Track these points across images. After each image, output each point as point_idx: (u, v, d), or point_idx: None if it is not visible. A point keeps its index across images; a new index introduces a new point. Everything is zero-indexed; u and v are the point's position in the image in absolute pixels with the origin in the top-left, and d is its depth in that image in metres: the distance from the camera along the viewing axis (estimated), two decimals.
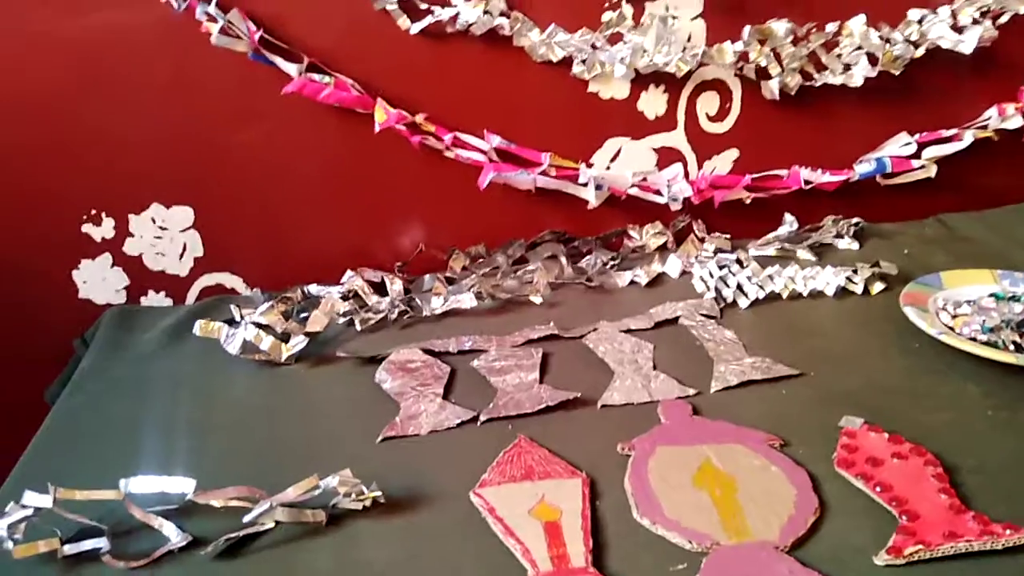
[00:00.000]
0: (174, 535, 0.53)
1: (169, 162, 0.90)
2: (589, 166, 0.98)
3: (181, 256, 0.94)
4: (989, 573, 0.48)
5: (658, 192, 0.99)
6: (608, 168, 0.99)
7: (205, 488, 0.55)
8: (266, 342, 0.75)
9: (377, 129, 0.89)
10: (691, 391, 0.69)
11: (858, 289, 0.86)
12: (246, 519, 0.52)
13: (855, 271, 0.87)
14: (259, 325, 0.78)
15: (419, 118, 0.91)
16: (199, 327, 0.78)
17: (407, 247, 0.97)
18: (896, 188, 1.04)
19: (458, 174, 0.94)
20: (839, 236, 0.98)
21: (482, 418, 0.66)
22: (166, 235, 0.93)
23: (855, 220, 0.99)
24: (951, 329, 0.74)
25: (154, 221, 0.92)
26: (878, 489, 0.54)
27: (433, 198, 0.96)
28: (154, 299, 0.94)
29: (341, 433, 0.66)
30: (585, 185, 0.97)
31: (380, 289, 0.90)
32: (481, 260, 0.95)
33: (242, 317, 0.80)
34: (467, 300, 0.84)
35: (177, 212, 0.92)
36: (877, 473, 0.56)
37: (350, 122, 0.90)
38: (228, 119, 0.89)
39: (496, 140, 0.93)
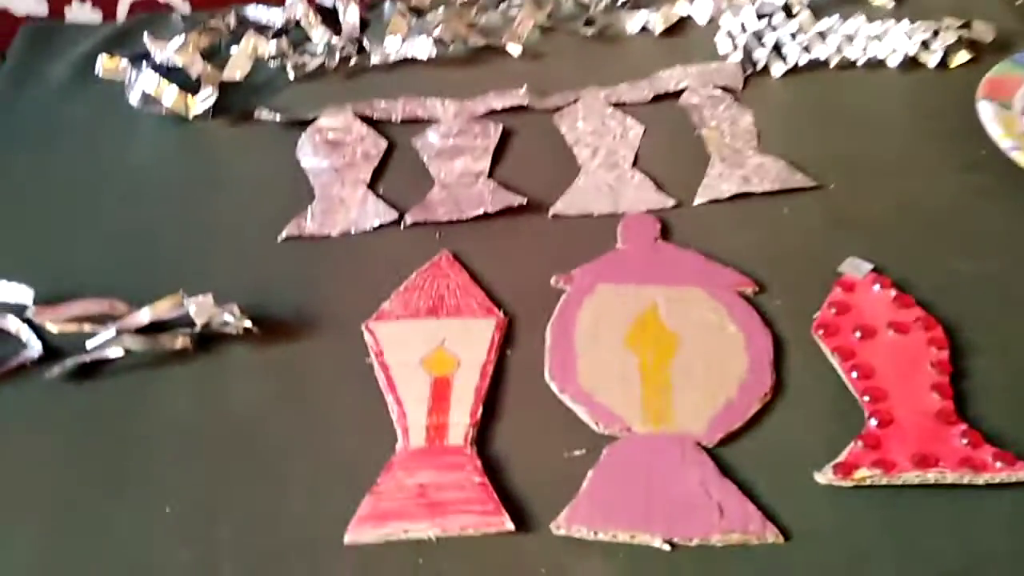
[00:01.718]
0: (33, 344, 0.47)
1: None
2: None
3: None
4: (963, 517, 0.38)
5: None
6: None
7: (65, 289, 0.49)
8: (169, 94, 0.62)
9: None
10: (669, 202, 0.55)
11: (933, 60, 0.66)
12: (89, 345, 0.45)
13: (936, 33, 0.66)
14: (167, 70, 0.65)
15: None
16: (101, 66, 0.65)
17: None
18: None
19: None
20: None
21: (407, 220, 0.55)
22: None
23: None
24: None
25: None
26: (855, 374, 0.43)
27: None
28: (80, 12, 0.80)
29: (242, 221, 0.56)
30: None
31: (332, 18, 0.74)
32: None
33: (148, 56, 0.66)
34: (423, 48, 0.67)
35: None
36: (862, 349, 0.44)
37: None
38: None
39: None
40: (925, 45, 0.66)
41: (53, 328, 0.46)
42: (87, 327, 0.46)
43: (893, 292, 0.47)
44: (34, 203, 0.58)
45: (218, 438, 0.43)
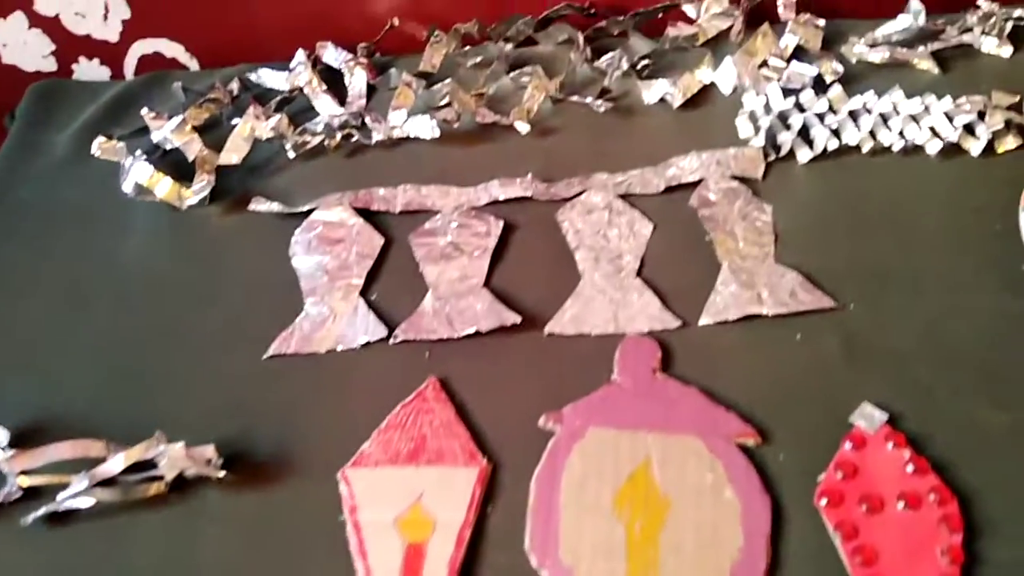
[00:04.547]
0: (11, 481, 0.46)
1: None
2: None
3: (105, 18, 0.75)
4: None
5: None
6: None
7: (47, 407, 0.49)
8: (162, 187, 0.61)
9: None
10: (672, 323, 0.52)
11: (976, 148, 0.60)
12: (60, 497, 0.44)
13: (981, 115, 0.60)
14: (162, 153, 0.64)
15: None
16: (98, 147, 0.64)
17: (385, 15, 0.75)
18: None
19: None
20: (986, 34, 0.68)
21: (397, 337, 0.53)
22: None
23: (1017, 13, 0.67)
24: None
25: None
26: (857, 559, 0.40)
27: None
28: (87, 68, 0.79)
29: (230, 331, 0.54)
30: None
31: (338, 80, 0.71)
32: (469, 48, 0.72)
33: (147, 131, 0.64)
34: (427, 128, 0.64)
35: None
36: (867, 527, 0.41)
37: None
38: None
39: None
40: (969, 129, 0.60)
41: (24, 482, 0.45)
42: (59, 479, 0.45)
43: (907, 453, 0.44)
44: (24, 308, 0.57)
45: None
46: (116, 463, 0.44)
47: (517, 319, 0.52)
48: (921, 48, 0.67)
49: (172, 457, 0.44)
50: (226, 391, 0.51)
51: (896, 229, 0.56)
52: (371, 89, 0.71)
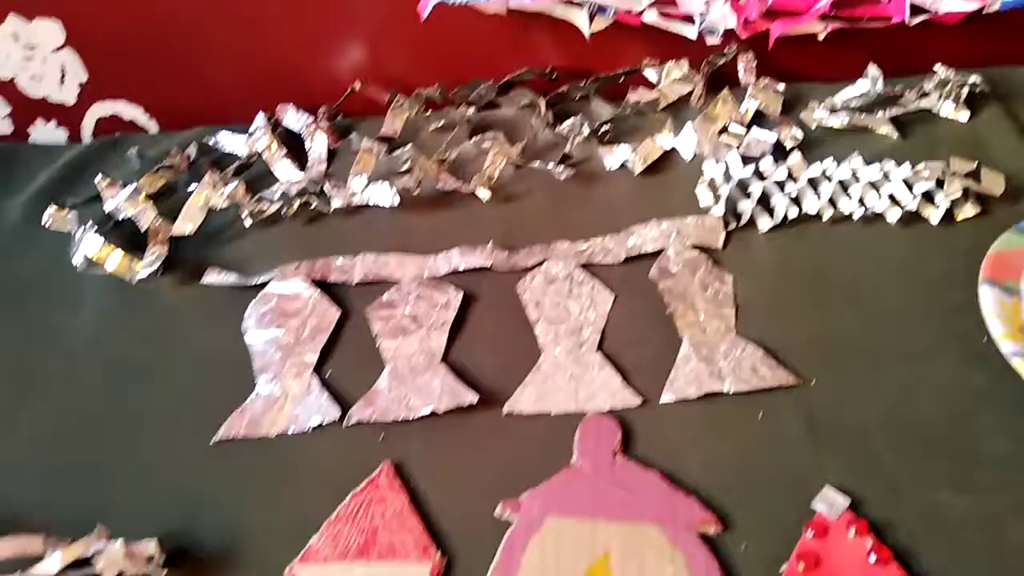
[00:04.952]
0: None
1: None
2: None
3: (62, 80, 0.74)
4: None
5: (689, 19, 0.70)
6: None
7: None
8: (112, 260, 0.59)
9: None
10: (633, 401, 0.51)
11: (935, 217, 0.60)
12: None
13: (940, 183, 0.60)
14: (115, 223, 0.62)
15: None
16: (50, 217, 0.62)
17: (348, 77, 0.74)
18: None
19: None
20: (944, 99, 0.68)
21: (351, 419, 0.51)
22: (36, 55, 0.73)
23: (972, 79, 0.68)
24: None
25: (17, 38, 0.72)
26: None
27: (382, 15, 0.71)
28: (44, 130, 0.77)
29: (179, 412, 0.53)
30: (580, 6, 0.68)
31: (299, 144, 0.70)
32: (431, 112, 0.72)
33: (100, 198, 0.63)
34: (386, 196, 0.63)
35: (42, 27, 0.71)
36: None
37: None
38: None
39: None
40: (928, 196, 0.60)
41: None
42: None
43: (869, 542, 0.43)
44: None
45: None
46: (52, 563, 0.42)
47: (474, 399, 0.51)
48: (880, 113, 0.68)
49: (110, 558, 0.42)
50: (174, 477, 0.49)
51: (857, 301, 0.56)
52: (332, 153, 0.70)
